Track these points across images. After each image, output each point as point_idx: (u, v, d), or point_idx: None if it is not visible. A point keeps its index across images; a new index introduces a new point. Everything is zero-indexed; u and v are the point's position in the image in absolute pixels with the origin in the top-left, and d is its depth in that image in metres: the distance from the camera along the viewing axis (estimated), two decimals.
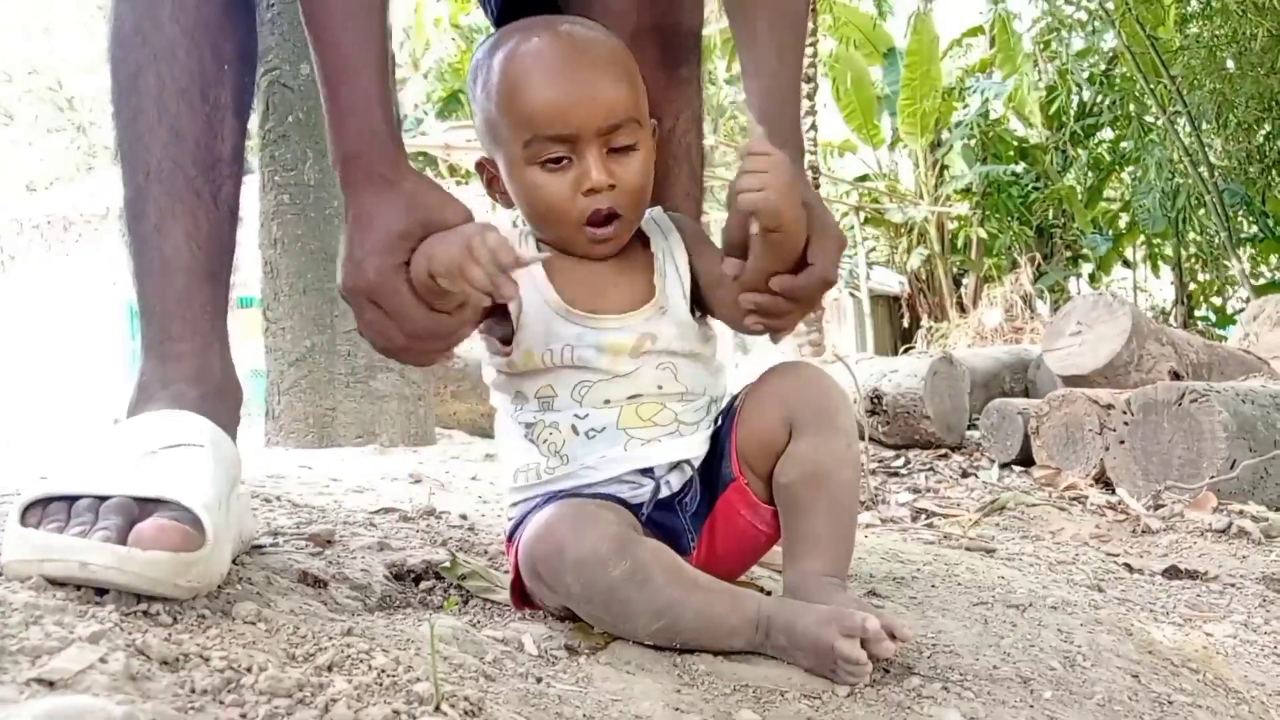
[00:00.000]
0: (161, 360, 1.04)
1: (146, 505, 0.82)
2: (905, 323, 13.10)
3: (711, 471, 1.06)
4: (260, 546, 1.05)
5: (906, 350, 9.95)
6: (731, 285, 1.03)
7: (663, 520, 1.03)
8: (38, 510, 0.82)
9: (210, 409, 1.00)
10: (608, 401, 1.03)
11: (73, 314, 13.27)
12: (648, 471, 1.02)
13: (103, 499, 0.82)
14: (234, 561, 0.95)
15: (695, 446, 1.05)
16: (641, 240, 1.10)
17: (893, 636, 0.85)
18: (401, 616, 0.92)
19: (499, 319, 1.04)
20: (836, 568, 0.98)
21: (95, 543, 0.77)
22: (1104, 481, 2.68)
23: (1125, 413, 2.61)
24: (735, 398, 1.09)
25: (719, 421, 1.08)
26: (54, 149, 25.61)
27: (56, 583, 0.77)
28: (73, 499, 0.83)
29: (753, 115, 1.15)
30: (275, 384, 2.62)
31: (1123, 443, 2.60)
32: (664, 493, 1.03)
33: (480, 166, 1.08)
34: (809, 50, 8.77)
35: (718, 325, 1.15)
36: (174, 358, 1.04)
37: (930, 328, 11.27)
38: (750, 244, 0.99)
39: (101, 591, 0.77)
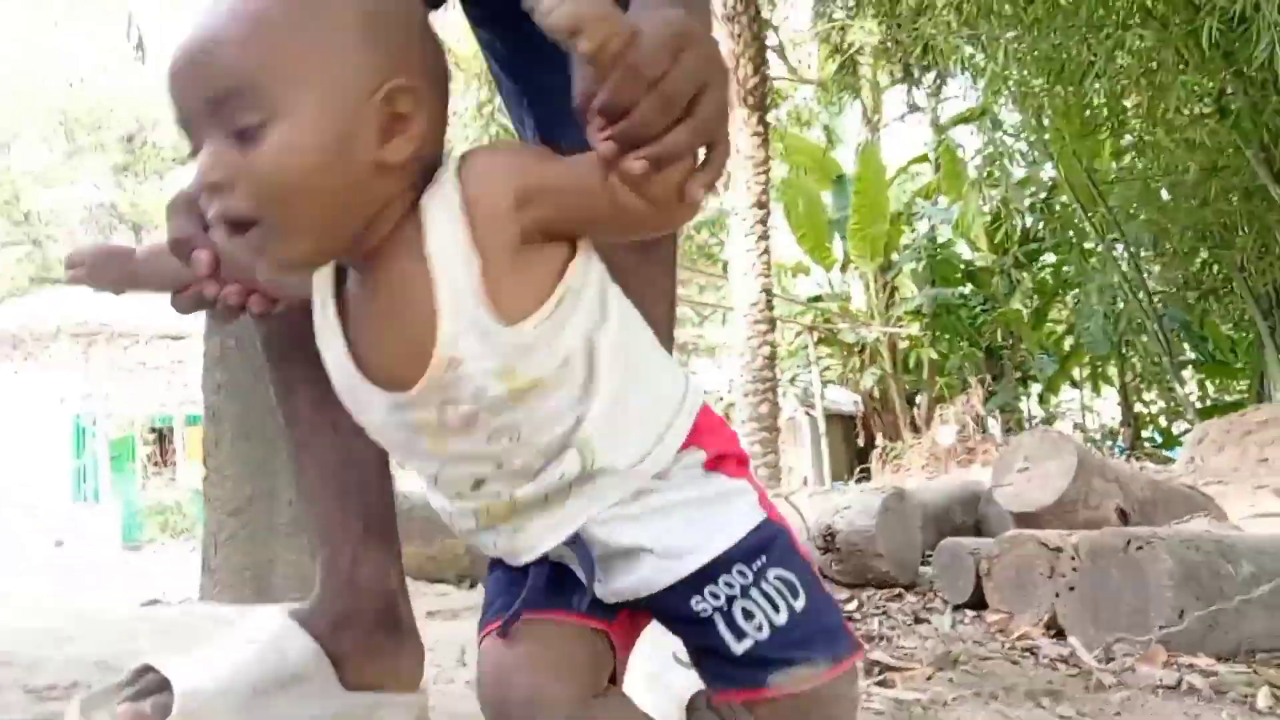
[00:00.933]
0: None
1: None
2: (860, 442, 13.19)
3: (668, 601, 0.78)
4: None
5: (862, 471, 9.99)
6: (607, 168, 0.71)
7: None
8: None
9: (310, 614, 1.12)
10: (459, 495, 0.79)
11: (20, 431, 13.02)
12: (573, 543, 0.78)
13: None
14: None
15: (596, 503, 0.76)
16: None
17: None
18: None
19: None
20: None
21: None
22: (1057, 628, 2.67)
23: (1074, 558, 2.61)
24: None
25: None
26: (7, 263, 25.47)
27: None
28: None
29: None
30: (213, 535, 2.55)
31: (1073, 589, 2.60)
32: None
33: None
34: (760, 176, 9.02)
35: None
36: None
37: (885, 447, 11.35)
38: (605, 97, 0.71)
39: None
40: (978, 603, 3.04)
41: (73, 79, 24.98)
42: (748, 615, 0.74)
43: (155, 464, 14.84)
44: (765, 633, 0.74)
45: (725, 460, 0.80)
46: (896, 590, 3.35)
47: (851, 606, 3.08)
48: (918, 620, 2.88)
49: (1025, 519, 3.41)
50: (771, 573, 0.75)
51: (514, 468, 0.76)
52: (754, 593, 0.75)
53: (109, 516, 13.00)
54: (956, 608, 3.06)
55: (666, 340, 1.39)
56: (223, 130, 0.70)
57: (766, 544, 0.76)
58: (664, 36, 0.70)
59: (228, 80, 0.69)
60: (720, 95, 0.72)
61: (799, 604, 0.75)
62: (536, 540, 0.78)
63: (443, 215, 0.72)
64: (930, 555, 3.47)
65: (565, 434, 0.75)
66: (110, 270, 0.91)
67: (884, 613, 2.98)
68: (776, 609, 0.75)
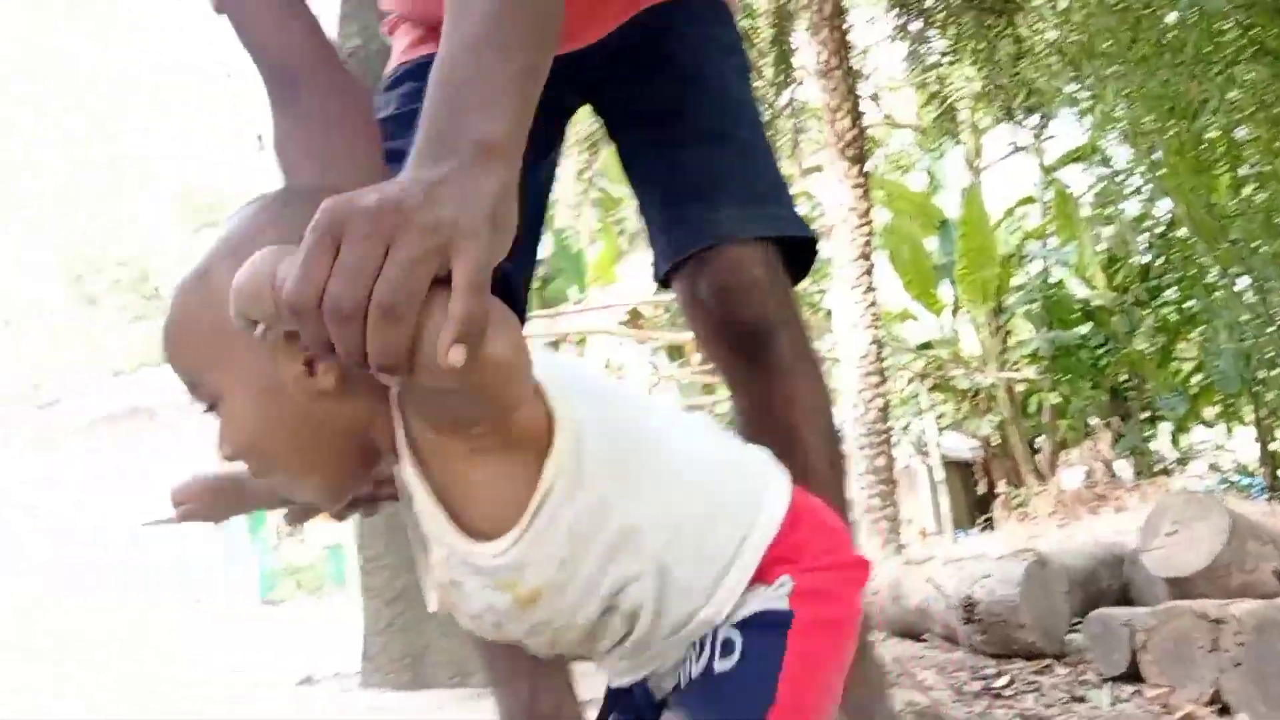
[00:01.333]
0: None
1: None
2: (980, 489, 12.85)
3: None
4: None
5: (986, 520, 9.71)
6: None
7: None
8: None
9: None
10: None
11: (152, 501, 13.69)
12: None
13: None
14: None
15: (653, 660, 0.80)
16: None
17: None
18: None
19: None
20: None
21: None
22: (1222, 703, 2.56)
23: (1238, 632, 2.52)
24: None
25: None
26: (138, 337, 26.88)
27: None
28: None
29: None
30: (371, 623, 2.65)
31: (1238, 665, 2.50)
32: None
33: None
34: (863, 228, 8.91)
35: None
36: None
37: (1009, 494, 11.03)
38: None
39: None
40: (1133, 675, 2.94)
41: (195, 163, 26.45)
42: (690, 661, 0.77)
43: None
44: (688, 679, 0.76)
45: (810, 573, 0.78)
46: (1045, 661, 3.26)
47: (1001, 682, 3.01)
48: (1074, 698, 2.80)
49: (1176, 583, 3.29)
50: (723, 631, 0.76)
51: (565, 645, 0.78)
52: (698, 643, 0.77)
53: (246, 575, 13.64)
54: (1112, 679, 2.97)
55: (833, 462, 1.38)
56: (203, 406, 0.78)
57: (754, 618, 0.76)
58: (309, 251, 0.61)
59: (181, 375, 0.78)
60: (406, 251, 0.60)
61: (724, 665, 0.75)
62: (617, 679, 0.82)
63: (401, 442, 0.73)
64: (1077, 622, 3.37)
65: (600, 614, 0.75)
66: (220, 505, 0.96)
67: (1036, 689, 2.91)
68: (698, 660, 0.76)
